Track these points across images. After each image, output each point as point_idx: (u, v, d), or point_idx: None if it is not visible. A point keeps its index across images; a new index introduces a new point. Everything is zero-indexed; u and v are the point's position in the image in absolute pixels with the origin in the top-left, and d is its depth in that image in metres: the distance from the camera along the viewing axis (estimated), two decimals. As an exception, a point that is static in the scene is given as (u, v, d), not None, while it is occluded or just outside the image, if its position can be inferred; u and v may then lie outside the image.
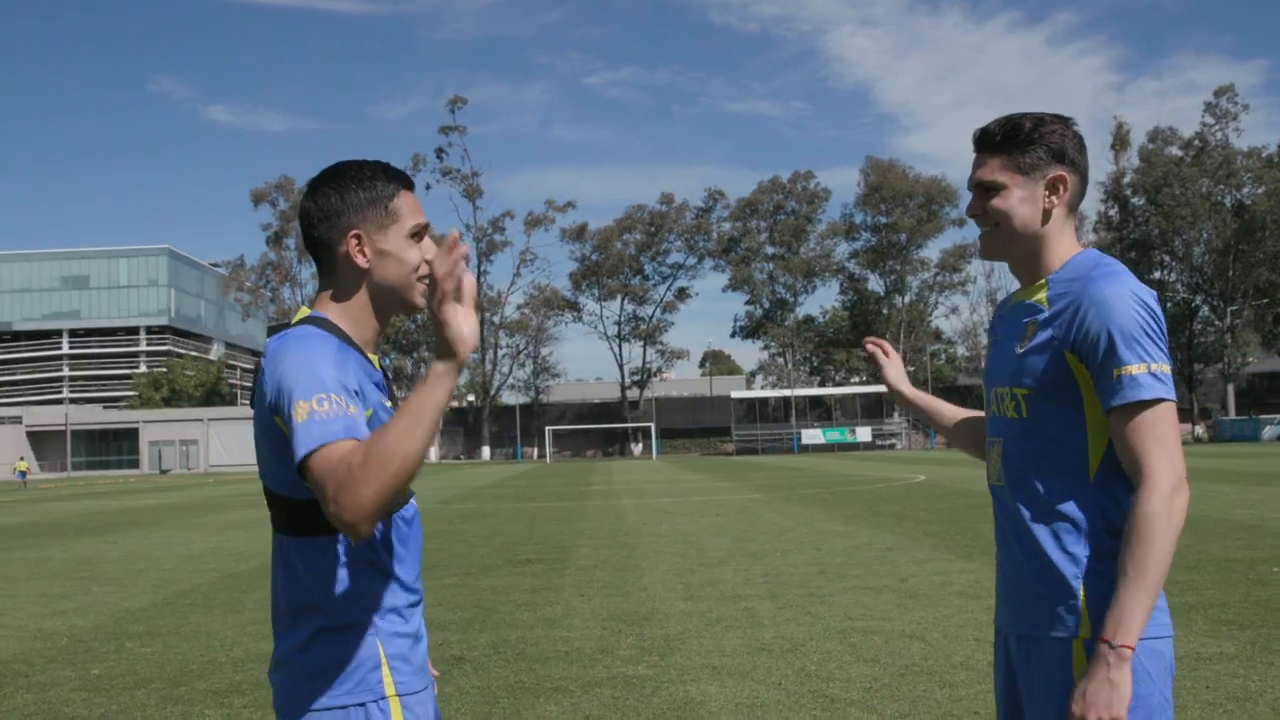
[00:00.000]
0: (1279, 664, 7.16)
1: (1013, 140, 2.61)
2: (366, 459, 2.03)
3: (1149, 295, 2.48)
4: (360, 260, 2.44)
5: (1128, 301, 2.43)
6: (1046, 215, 2.61)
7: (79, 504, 37.61)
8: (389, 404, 2.43)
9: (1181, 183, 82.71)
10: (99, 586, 13.36)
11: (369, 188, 2.46)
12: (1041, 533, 2.51)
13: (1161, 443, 2.38)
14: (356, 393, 2.27)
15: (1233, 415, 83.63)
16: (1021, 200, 2.61)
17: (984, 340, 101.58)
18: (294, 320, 2.45)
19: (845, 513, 21.10)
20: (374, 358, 2.50)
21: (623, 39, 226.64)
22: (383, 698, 2.31)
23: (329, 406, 2.16)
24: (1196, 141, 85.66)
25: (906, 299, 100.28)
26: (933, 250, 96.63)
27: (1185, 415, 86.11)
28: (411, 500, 2.48)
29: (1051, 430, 2.52)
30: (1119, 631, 2.31)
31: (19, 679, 8.15)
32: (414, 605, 2.43)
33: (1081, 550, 2.47)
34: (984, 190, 2.66)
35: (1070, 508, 2.48)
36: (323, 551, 2.32)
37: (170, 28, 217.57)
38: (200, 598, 12.01)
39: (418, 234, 2.49)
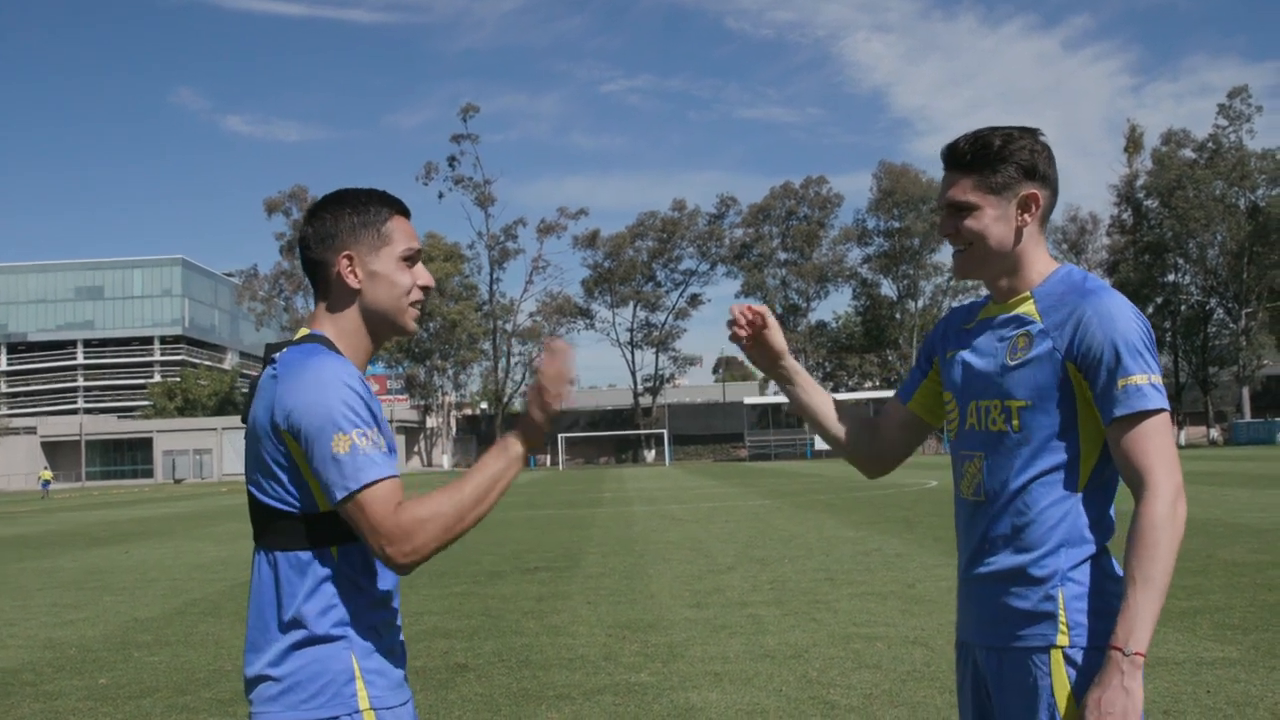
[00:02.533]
0: (1281, 668, 7.15)
1: (983, 159, 2.60)
2: (437, 514, 2.31)
3: (1139, 311, 2.53)
4: (352, 281, 2.52)
5: (1129, 315, 2.46)
6: (1019, 233, 2.61)
7: (92, 514, 37.77)
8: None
9: (1195, 185, 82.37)
10: (109, 596, 13.44)
11: (362, 212, 2.54)
12: (1024, 545, 2.52)
13: (1163, 452, 2.41)
14: (376, 419, 2.39)
15: (1248, 418, 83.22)
16: (995, 220, 2.61)
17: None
18: (295, 339, 2.52)
19: (855, 519, 21.09)
20: (368, 380, 2.55)
21: (639, 47, 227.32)
22: (356, 712, 2.34)
23: (368, 443, 2.30)
24: (1210, 144, 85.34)
25: (920, 304, 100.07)
26: (946, 255, 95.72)
27: (1200, 419, 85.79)
28: None
29: (1045, 442, 2.52)
30: (1131, 638, 2.31)
31: (26, 688, 8.22)
32: (390, 622, 2.48)
33: (1063, 562, 2.48)
34: (955, 210, 2.65)
35: (1057, 519, 2.49)
36: (303, 566, 2.36)
37: (190, 40, 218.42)
38: (209, 607, 12.07)
39: (410, 258, 2.57)
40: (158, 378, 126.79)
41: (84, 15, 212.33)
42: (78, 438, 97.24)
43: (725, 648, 8.54)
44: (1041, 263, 2.64)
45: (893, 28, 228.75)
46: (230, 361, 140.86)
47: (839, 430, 3.03)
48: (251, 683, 2.40)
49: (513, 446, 2.45)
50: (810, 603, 10.62)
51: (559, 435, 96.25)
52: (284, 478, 2.36)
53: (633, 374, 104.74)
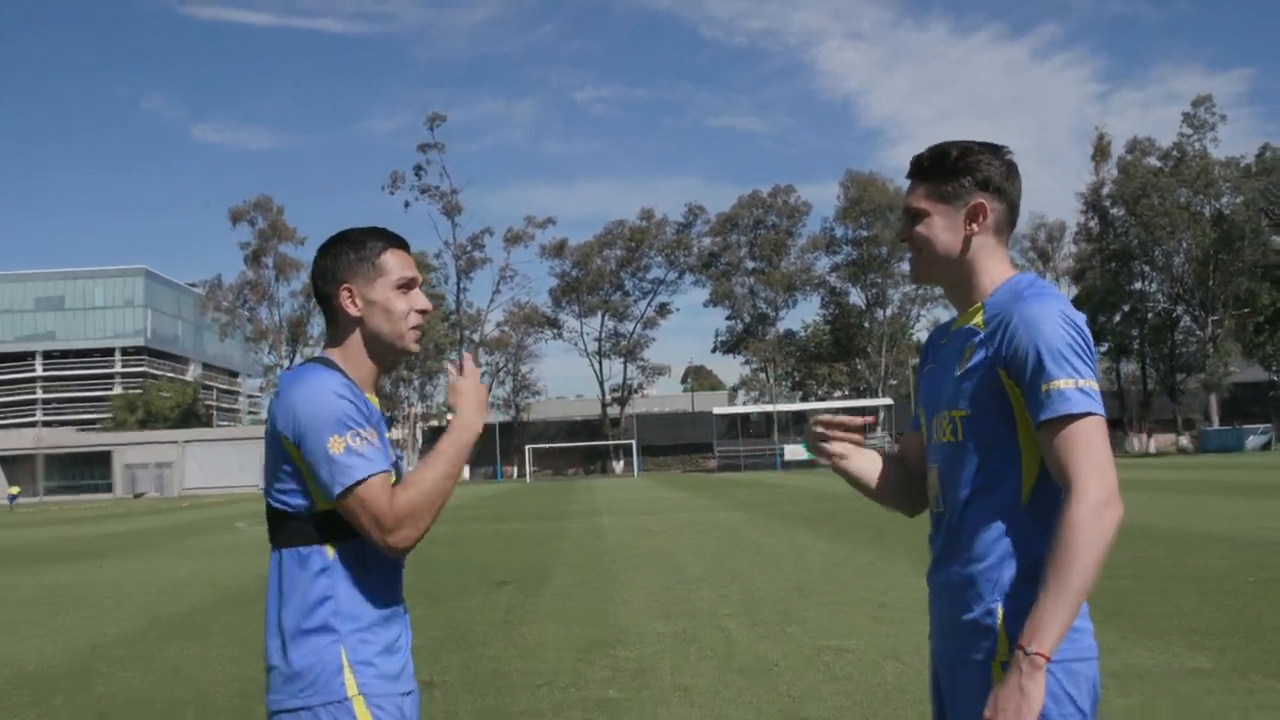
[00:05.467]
0: (1255, 680, 7.16)
1: (938, 168, 2.69)
2: (424, 497, 2.64)
3: (1079, 317, 2.52)
4: (352, 310, 2.83)
5: (1055, 320, 2.47)
6: (968, 242, 2.68)
7: (51, 530, 37.39)
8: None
9: (1160, 193, 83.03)
10: (72, 614, 13.27)
11: (359, 248, 2.86)
12: (970, 557, 2.55)
13: (1090, 456, 2.40)
14: (369, 420, 2.70)
15: (1216, 425, 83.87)
16: (943, 228, 2.69)
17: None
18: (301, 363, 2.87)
19: (826, 529, 21.10)
20: (374, 398, 2.87)
21: (610, 54, 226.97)
22: (345, 699, 2.60)
23: (361, 442, 2.62)
24: (1175, 152, 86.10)
25: (888, 312, 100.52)
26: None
27: (1169, 426, 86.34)
28: None
29: (985, 452, 2.55)
30: (1034, 639, 2.32)
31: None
32: (388, 616, 2.73)
33: (1005, 574, 2.50)
34: (910, 216, 2.74)
35: (1000, 531, 2.51)
36: (303, 561, 2.66)
37: (162, 48, 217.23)
38: (176, 624, 11.95)
39: (405, 285, 2.86)
40: (119, 390, 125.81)
41: (54, 22, 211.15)
42: (36, 451, 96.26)
43: (695, 663, 8.50)
44: (995, 273, 2.69)
45: (865, 36, 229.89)
46: (193, 373, 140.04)
47: (884, 490, 3.06)
48: (267, 671, 2.67)
49: (458, 426, 2.83)
50: (781, 616, 10.59)
51: (526, 446, 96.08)
52: (289, 483, 2.67)
53: (601, 384, 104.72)
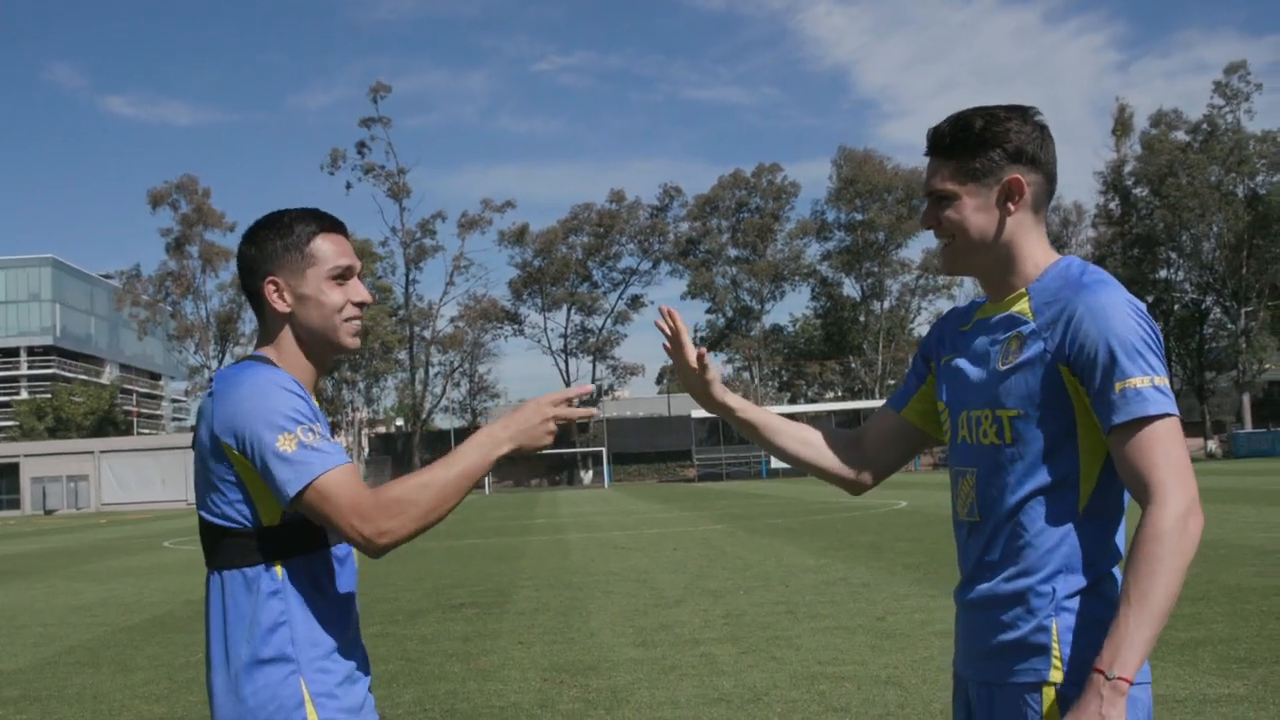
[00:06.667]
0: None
1: (963, 143, 2.62)
2: (417, 497, 2.56)
3: (1142, 305, 2.51)
4: (280, 305, 2.79)
5: (1125, 311, 2.46)
6: (1004, 223, 2.62)
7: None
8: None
9: (1188, 171, 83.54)
10: (-29, 644, 13.21)
11: (285, 234, 2.80)
12: (1018, 570, 2.53)
13: (1171, 461, 2.39)
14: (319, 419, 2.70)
15: (1249, 428, 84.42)
16: (975, 210, 2.63)
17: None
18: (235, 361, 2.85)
19: (817, 544, 21.18)
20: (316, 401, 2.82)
21: (575, 20, 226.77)
22: None
23: (315, 437, 2.59)
24: (1205, 125, 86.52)
25: (886, 304, 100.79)
26: (914, 250, 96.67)
27: (1197, 429, 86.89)
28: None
29: (1039, 456, 2.52)
30: (1116, 662, 2.30)
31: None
32: (347, 644, 2.72)
33: (1060, 588, 2.49)
34: (936, 200, 2.67)
35: (1055, 541, 2.49)
36: (249, 583, 2.62)
37: (67, 10, 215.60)
38: (86, 655, 11.90)
39: (340, 275, 2.82)
40: (25, 394, 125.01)
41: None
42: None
43: (675, 691, 8.54)
44: (1038, 255, 2.65)
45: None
46: (109, 375, 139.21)
47: (801, 447, 3.03)
48: (213, 710, 2.65)
49: (497, 446, 2.74)
50: (769, 639, 10.64)
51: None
52: (230, 494, 2.63)
53: (567, 385, 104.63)
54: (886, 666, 9.05)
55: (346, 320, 2.81)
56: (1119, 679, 2.29)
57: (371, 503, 2.53)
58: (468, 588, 16.52)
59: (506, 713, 8.14)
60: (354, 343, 2.85)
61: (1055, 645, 2.46)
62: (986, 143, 2.59)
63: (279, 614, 2.60)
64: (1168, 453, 2.39)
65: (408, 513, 2.55)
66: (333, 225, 2.85)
